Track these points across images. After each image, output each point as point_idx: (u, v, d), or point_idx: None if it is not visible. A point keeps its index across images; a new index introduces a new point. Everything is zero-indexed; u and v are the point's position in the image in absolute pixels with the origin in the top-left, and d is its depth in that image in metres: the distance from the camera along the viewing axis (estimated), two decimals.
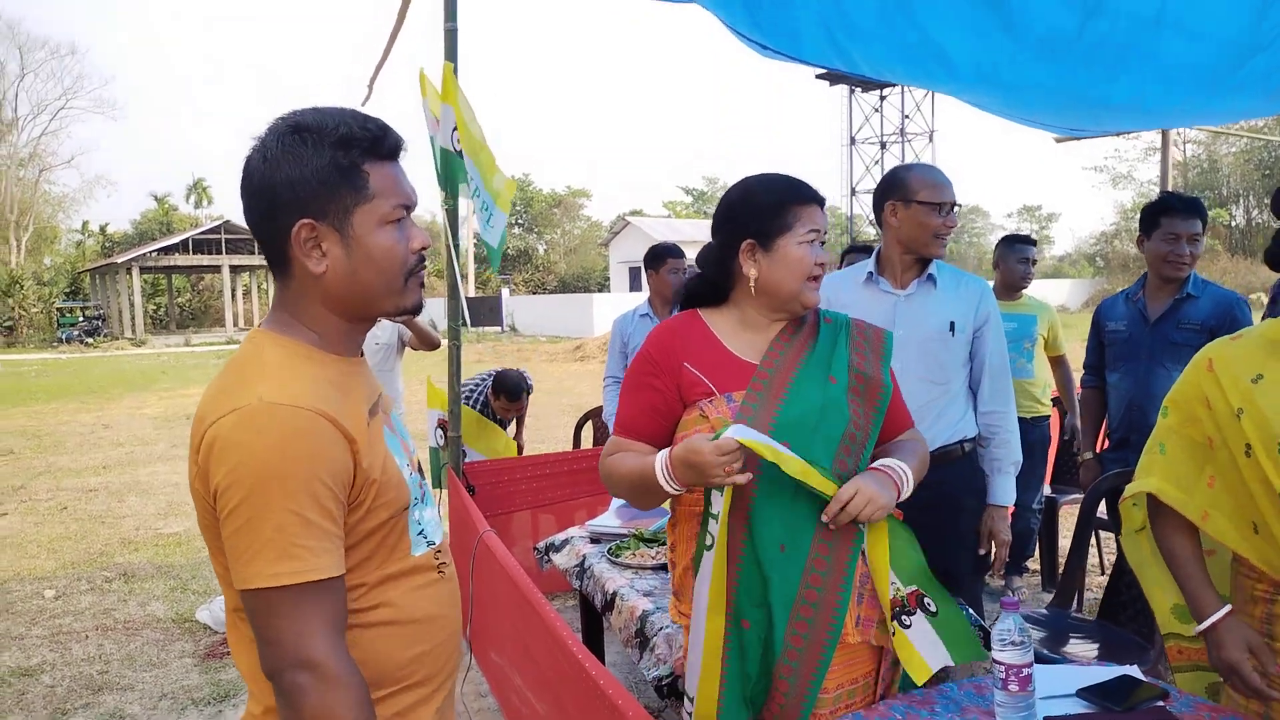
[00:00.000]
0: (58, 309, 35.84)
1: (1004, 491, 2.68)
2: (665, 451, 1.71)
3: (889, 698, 1.82)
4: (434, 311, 16.65)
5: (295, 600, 1.14)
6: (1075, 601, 3.25)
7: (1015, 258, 4.66)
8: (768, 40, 4.12)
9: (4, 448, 10.60)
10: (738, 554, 1.72)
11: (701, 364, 1.81)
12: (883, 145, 41.55)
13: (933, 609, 1.78)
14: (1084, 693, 1.75)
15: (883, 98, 39.94)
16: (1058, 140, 7.41)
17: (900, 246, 2.65)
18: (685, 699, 1.84)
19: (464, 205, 4.69)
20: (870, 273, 2.74)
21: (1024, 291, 4.73)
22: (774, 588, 1.70)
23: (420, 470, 1.44)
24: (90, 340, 32.62)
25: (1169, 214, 3.30)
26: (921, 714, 1.74)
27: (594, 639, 3.26)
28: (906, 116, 40.40)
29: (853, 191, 40.74)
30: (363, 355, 1.40)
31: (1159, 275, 3.36)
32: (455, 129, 4.16)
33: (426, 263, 1.41)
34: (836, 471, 1.73)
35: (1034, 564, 4.87)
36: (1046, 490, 4.84)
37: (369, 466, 1.24)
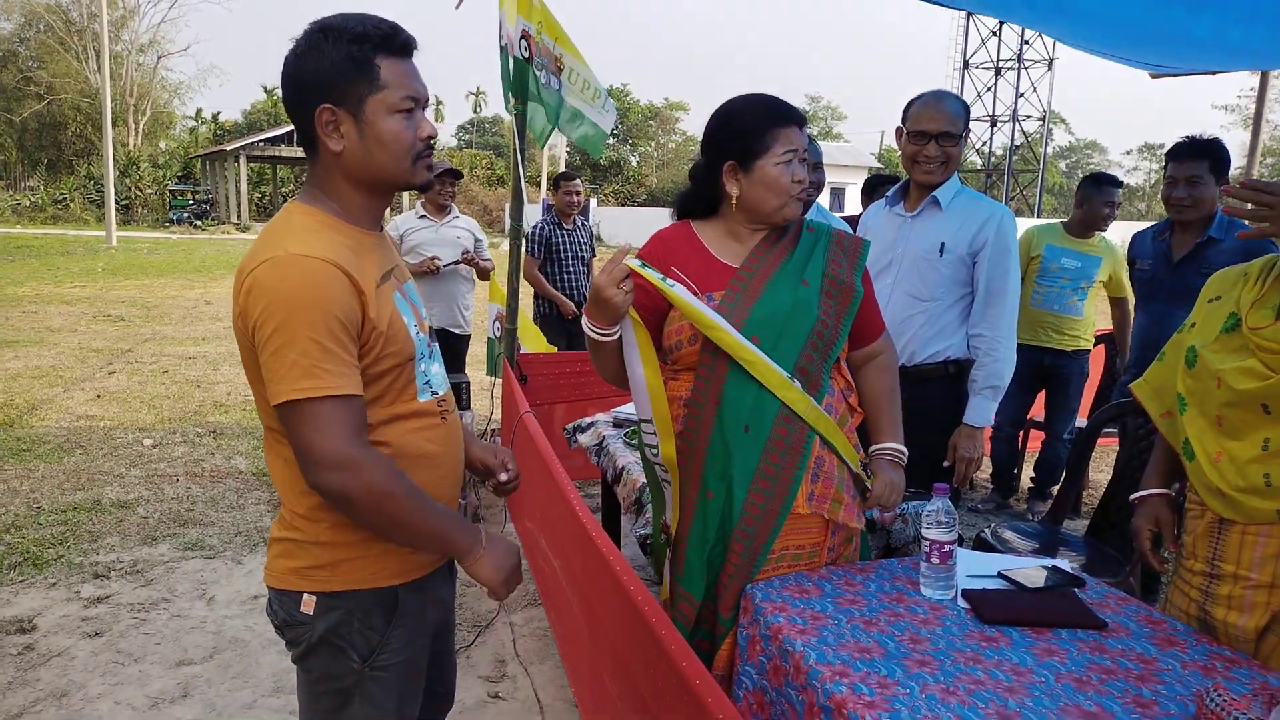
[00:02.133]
0: (170, 191, 37.27)
1: (976, 411, 2.72)
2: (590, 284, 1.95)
3: (837, 566, 2.05)
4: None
5: (318, 411, 1.39)
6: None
7: (1101, 200, 4.55)
8: None
9: (116, 315, 11.48)
10: (707, 433, 1.95)
11: (687, 268, 2.00)
12: (998, 71, 39.73)
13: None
14: (1004, 574, 1.96)
15: (1001, 21, 37.90)
16: (1152, 76, 7.15)
17: (906, 170, 2.80)
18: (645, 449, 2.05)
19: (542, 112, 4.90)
20: (889, 196, 2.92)
21: (1099, 233, 4.68)
22: (736, 463, 1.93)
23: (431, 334, 1.70)
24: (199, 223, 34.07)
25: (1173, 156, 3.35)
26: (856, 579, 1.98)
27: (614, 518, 3.57)
28: (1026, 42, 38.46)
29: None
30: (382, 230, 1.64)
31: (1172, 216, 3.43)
32: (524, 39, 4.35)
33: (434, 147, 1.61)
34: (801, 365, 1.93)
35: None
36: (1082, 422, 4.92)
37: (376, 318, 1.48)
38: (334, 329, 1.41)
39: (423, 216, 5.21)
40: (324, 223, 1.49)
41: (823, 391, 1.97)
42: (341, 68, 1.44)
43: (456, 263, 5.16)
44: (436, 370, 1.67)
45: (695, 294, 1.94)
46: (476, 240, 5.38)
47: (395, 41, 1.47)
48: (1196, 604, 1.86)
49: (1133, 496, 2.09)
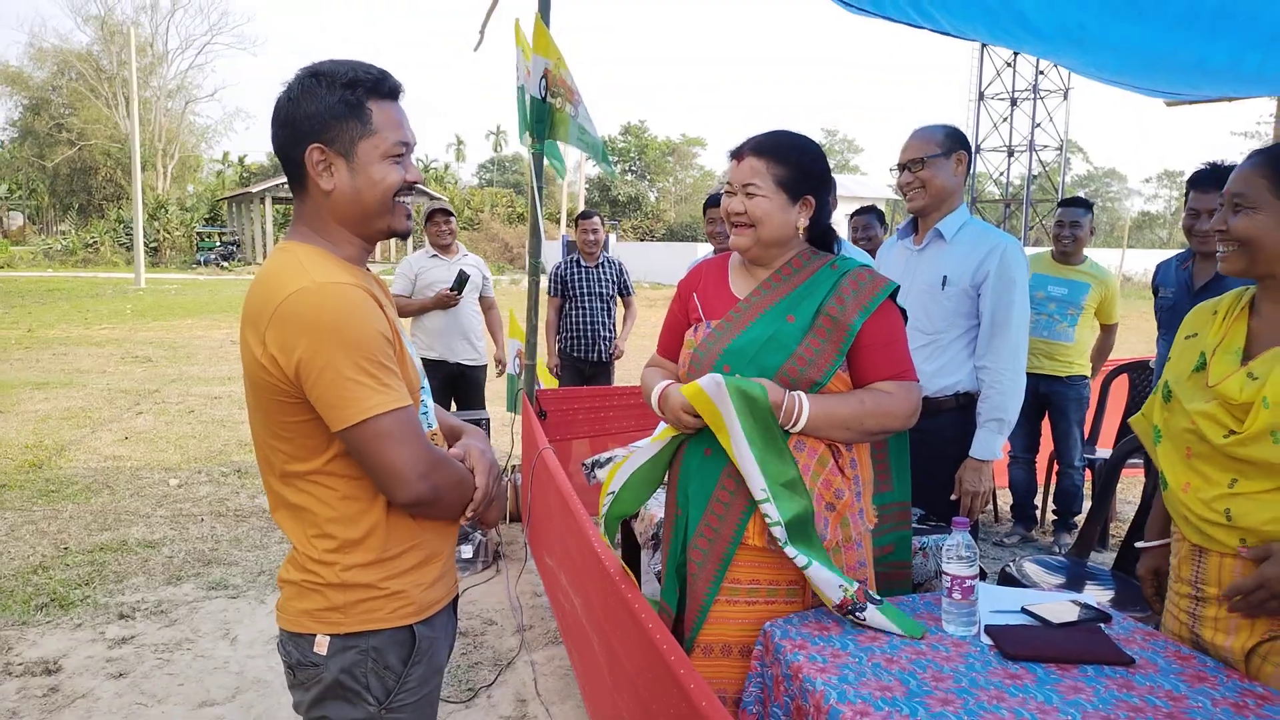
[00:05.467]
0: (197, 233, 37.93)
1: (981, 444, 2.70)
2: (664, 385, 2.04)
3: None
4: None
5: (393, 425, 1.42)
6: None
7: (1056, 220, 4.68)
8: None
9: (143, 356, 11.63)
10: (682, 452, 2.06)
11: (704, 295, 2.10)
12: (1013, 102, 39.73)
13: (878, 599, 1.90)
14: (1028, 609, 1.93)
15: (1016, 52, 37.93)
16: (1168, 104, 7.14)
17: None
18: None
19: (571, 152, 5.00)
20: (900, 229, 2.96)
21: (1090, 258, 4.71)
22: (693, 484, 2.00)
23: (422, 371, 1.71)
24: (225, 264, 34.61)
25: (1193, 184, 3.34)
26: None
27: (633, 554, 3.55)
28: (1041, 73, 38.45)
29: (977, 149, 38.99)
30: (370, 270, 1.65)
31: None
32: (544, 77, 4.42)
33: (413, 193, 1.64)
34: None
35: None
36: (1106, 452, 4.87)
37: (396, 336, 1.53)
38: (384, 346, 1.45)
39: (434, 255, 5.30)
40: (326, 256, 1.52)
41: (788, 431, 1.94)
42: (335, 110, 1.48)
43: (461, 286, 5.09)
44: (430, 404, 1.70)
45: (701, 320, 2.07)
46: (484, 277, 5.50)
47: (384, 86, 1.52)
48: (1186, 626, 1.86)
49: (1138, 545, 2.12)
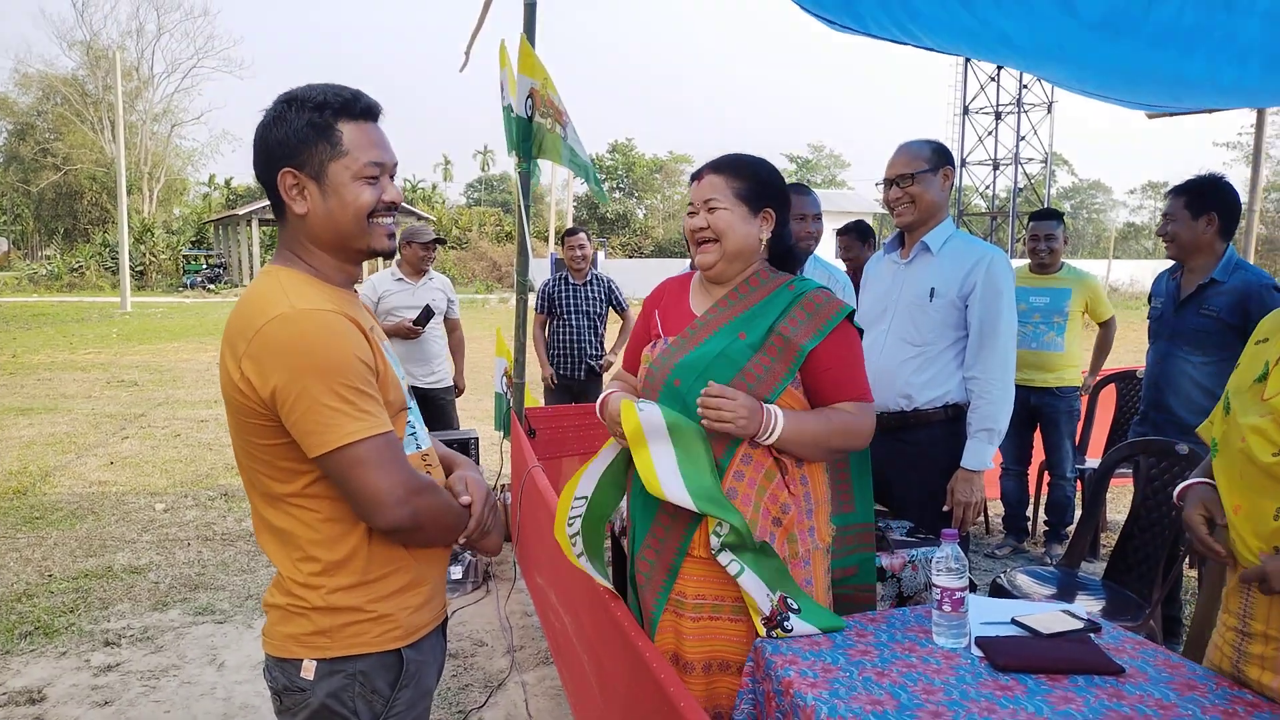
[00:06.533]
0: (184, 256, 37.74)
1: (972, 455, 2.70)
2: (606, 392, 2.11)
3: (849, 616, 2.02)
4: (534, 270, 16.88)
5: (371, 451, 1.41)
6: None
7: (1029, 234, 4.75)
8: (831, 15, 4.20)
9: (129, 380, 11.56)
10: (633, 468, 2.04)
11: (665, 312, 2.13)
12: (997, 116, 40.04)
13: (795, 606, 1.89)
14: (1018, 620, 1.93)
15: (999, 67, 38.24)
16: (1149, 116, 7.21)
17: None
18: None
19: (559, 170, 5.01)
20: (886, 244, 2.98)
21: (1067, 263, 4.77)
22: (643, 496, 2.00)
23: (410, 391, 1.71)
24: (212, 287, 34.46)
25: (1169, 194, 3.43)
26: (868, 629, 1.95)
27: (622, 572, 3.53)
28: (1025, 87, 38.77)
29: (963, 163, 39.22)
30: (355, 292, 1.65)
31: None
32: (529, 97, 4.43)
33: (395, 214, 1.61)
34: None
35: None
36: (1096, 462, 4.88)
37: (378, 365, 1.51)
38: (362, 372, 1.44)
39: (399, 280, 5.11)
40: (309, 281, 1.51)
41: (736, 442, 1.94)
42: (303, 133, 1.47)
43: (425, 321, 4.99)
44: (419, 426, 1.69)
45: (660, 337, 2.11)
46: (449, 300, 5.35)
47: (356, 106, 1.51)
48: (1230, 660, 1.77)
49: (1178, 489, 1.92)
